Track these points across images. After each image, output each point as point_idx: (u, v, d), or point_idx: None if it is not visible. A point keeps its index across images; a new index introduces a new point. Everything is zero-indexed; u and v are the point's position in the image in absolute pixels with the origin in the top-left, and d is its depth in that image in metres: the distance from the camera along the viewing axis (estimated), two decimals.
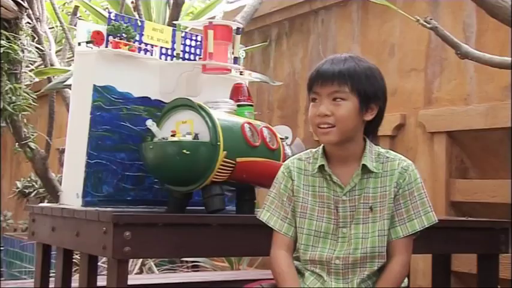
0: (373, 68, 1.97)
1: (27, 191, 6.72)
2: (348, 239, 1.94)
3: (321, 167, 1.97)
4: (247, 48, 4.17)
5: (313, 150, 2.04)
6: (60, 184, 2.98)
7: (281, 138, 2.62)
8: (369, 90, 1.92)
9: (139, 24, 2.59)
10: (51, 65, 4.17)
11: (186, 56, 2.70)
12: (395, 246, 1.95)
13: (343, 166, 1.97)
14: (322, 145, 2.00)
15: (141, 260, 4.66)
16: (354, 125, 1.91)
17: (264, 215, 2.03)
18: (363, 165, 1.94)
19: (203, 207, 2.40)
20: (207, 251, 2.40)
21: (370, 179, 1.95)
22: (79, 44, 2.50)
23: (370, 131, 1.99)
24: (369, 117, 1.94)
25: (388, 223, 1.94)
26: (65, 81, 3.57)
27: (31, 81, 4.52)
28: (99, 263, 3.19)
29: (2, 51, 3.66)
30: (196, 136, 2.35)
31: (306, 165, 2.02)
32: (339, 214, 1.95)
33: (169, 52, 2.67)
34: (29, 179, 6.80)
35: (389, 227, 1.95)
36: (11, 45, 3.69)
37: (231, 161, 2.36)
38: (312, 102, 1.94)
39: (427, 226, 1.96)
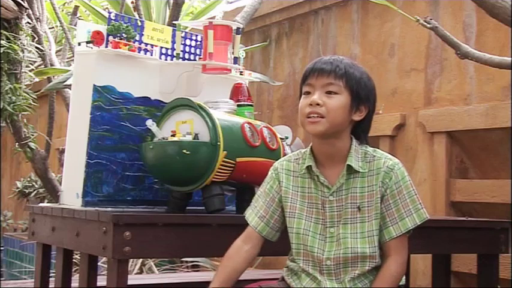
0: (367, 74, 2.00)
1: (27, 191, 6.72)
2: (336, 239, 1.95)
3: (309, 168, 1.98)
4: (247, 48, 4.17)
5: (302, 150, 2.05)
6: (60, 184, 2.98)
7: (281, 138, 2.62)
8: (362, 91, 1.94)
9: (139, 24, 2.59)
10: (51, 65, 4.17)
11: (186, 56, 2.70)
12: (390, 247, 1.95)
13: (331, 166, 1.97)
14: (310, 145, 2.01)
15: (141, 260, 4.66)
16: (342, 120, 1.92)
17: (247, 211, 2.08)
18: (348, 165, 1.95)
19: (203, 207, 2.40)
20: (207, 251, 2.40)
21: (357, 178, 1.96)
22: (79, 44, 2.50)
23: (360, 132, 2.00)
24: (357, 117, 1.95)
25: (377, 223, 1.95)
26: (65, 81, 3.57)
27: (31, 81, 4.52)
28: (99, 263, 3.19)
29: (2, 51, 3.66)
30: (196, 136, 2.35)
31: (294, 166, 2.03)
32: (326, 214, 1.96)
33: (169, 52, 2.66)
34: (29, 179, 6.80)
35: (382, 227, 1.95)
36: (11, 45, 3.69)
37: (231, 161, 2.36)
38: (303, 95, 1.96)
39: (419, 224, 1.96)
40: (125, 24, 2.49)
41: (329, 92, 1.91)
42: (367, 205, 1.94)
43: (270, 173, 2.07)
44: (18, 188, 6.82)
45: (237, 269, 2.01)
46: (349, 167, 1.94)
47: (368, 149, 2.00)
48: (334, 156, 1.97)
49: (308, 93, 1.94)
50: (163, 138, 2.39)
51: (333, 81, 1.91)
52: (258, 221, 2.04)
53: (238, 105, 2.61)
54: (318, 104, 1.90)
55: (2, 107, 3.66)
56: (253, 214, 2.06)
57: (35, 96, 3.92)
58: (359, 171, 1.95)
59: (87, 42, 2.47)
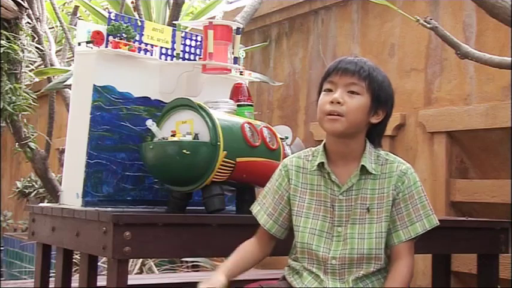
0: (388, 79, 2.01)
1: (27, 191, 6.72)
2: (343, 238, 1.94)
3: (320, 165, 1.98)
4: (247, 48, 4.17)
5: (313, 148, 2.05)
6: (60, 184, 2.98)
7: (281, 138, 2.62)
8: (382, 95, 1.95)
9: (139, 24, 2.59)
10: (51, 65, 4.17)
11: (186, 56, 2.70)
12: (399, 250, 1.95)
13: (343, 165, 1.97)
14: (323, 142, 2.01)
15: (141, 260, 4.66)
16: (360, 121, 1.93)
17: (255, 207, 2.08)
18: (362, 166, 1.95)
19: (203, 207, 2.40)
20: (207, 251, 2.40)
21: (368, 180, 1.96)
22: (79, 44, 2.50)
23: (375, 135, 2.00)
24: (374, 120, 1.96)
25: (386, 225, 1.95)
26: (65, 81, 3.57)
27: (31, 81, 4.52)
28: (99, 263, 3.19)
29: (2, 51, 3.66)
30: (196, 136, 2.35)
31: (304, 163, 2.03)
32: (334, 213, 1.96)
33: (169, 52, 2.66)
34: (29, 179, 6.80)
35: (391, 231, 1.96)
36: (11, 45, 3.69)
37: (231, 161, 2.36)
38: (324, 92, 1.95)
39: (428, 229, 1.97)
40: (125, 24, 2.49)
41: (351, 92, 1.91)
42: (376, 207, 1.94)
43: (278, 170, 2.06)
44: (18, 188, 6.82)
45: (247, 258, 2.03)
46: (363, 167, 1.95)
47: (381, 152, 2.00)
48: (348, 156, 1.97)
49: (329, 90, 1.94)
50: (163, 138, 2.39)
51: (356, 81, 1.91)
52: (267, 219, 2.03)
53: (238, 105, 2.61)
54: (338, 103, 1.90)
55: (2, 107, 3.66)
56: (261, 211, 2.05)
57: (35, 96, 3.92)
58: (371, 173, 1.95)
59: (87, 42, 2.47)
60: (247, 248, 2.03)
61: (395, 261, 1.95)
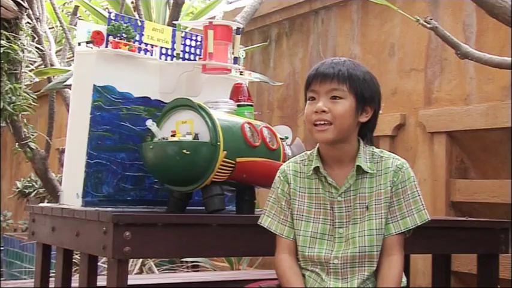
0: (370, 73, 2.00)
1: (27, 191, 6.72)
2: (345, 239, 1.95)
3: (316, 169, 1.98)
4: (247, 48, 4.17)
5: (308, 152, 2.05)
6: (60, 184, 2.99)
7: (281, 138, 2.62)
8: (366, 92, 1.94)
9: (139, 24, 2.59)
10: (51, 65, 4.17)
11: (186, 56, 2.70)
12: (389, 244, 1.95)
13: (338, 167, 1.98)
14: (317, 146, 2.02)
15: (141, 260, 4.66)
16: (349, 125, 1.93)
17: (264, 220, 2.05)
18: (357, 166, 1.95)
19: (203, 207, 2.40)
20: (207, 251, 2.40)
21: (365, 179, 1.97)
22: (79, 44, 2.50)
23: (366, 133, 2.01)
24: (363, 119, 1.96)
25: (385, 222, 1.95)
26: (65, 81, 3.57)
27: (31, 81, 4.53)
28: (99, 263, 3.19)
29: (2, 51, 3.66)
30: (196, 136, 2.35)
31: (301, 167, 2.03)
32: (334, 215, 1.96)
33: (169, 52, 2.66)
34: (29, 179, 6.81)
35: None
36: (11, 45, 3.69)
37: (231, 161, 2.36)
38: (308, 101, 1.96)
39: (419, 224, 1.97)
40: (125, 24, 2.49)
41: (334, 98, 1.91)
42: (374, 203, 1.95)
43: (277, 177, 2.06)
44: (18, 188, 6.82)
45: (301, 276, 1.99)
46: (359, 167, 1.95)
47: (375, 150, 2.01)
48: (342, 159, 1.97)
49: (313, 98, 1.94)
50: (163, 138, 2.39)
51: (337, 86, 1.91)
52: (282, 227, 2.01)
53: (238, 105, 2.61)
54: (323, 111, 1.90)
55: (2, 107, 3.66)
56: (274, 222, 2.02)
57: (35, 96, 3.92)
58: (367, 172, 1.96)
59: (87, 42, 2.47)
60: (292, 265, 1.99)
61: (385, 257, 1.94)
